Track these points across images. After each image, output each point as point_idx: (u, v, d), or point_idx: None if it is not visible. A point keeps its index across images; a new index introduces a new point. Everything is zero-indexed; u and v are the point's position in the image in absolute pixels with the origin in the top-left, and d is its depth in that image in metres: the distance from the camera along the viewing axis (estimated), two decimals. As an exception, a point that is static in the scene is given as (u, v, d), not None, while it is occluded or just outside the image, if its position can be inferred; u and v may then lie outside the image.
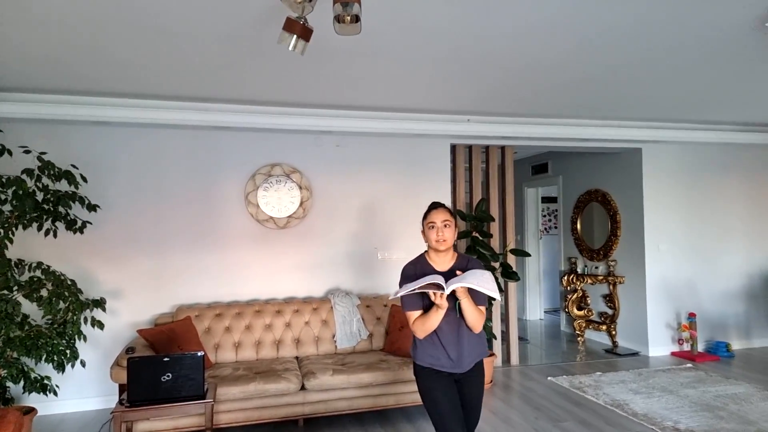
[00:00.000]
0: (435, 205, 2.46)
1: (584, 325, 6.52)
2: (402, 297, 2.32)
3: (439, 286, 2.17)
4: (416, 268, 2.43)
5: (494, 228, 5.60)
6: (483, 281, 2.20)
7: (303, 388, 3.73)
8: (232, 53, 3.18)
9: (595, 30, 2.93)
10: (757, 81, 4.01)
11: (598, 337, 6.60)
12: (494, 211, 5.65)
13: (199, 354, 3.15)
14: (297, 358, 4.31)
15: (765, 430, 3.69)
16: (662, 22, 2.82)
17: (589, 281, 6.43)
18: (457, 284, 2.17)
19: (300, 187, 4.82)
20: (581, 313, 6.53)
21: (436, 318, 2.30)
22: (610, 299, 6.31)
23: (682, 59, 3.44)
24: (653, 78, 3.86)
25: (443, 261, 2.43)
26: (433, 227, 2.39)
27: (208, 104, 4.29)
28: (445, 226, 2.39)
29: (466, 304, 2.28)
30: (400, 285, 2.40)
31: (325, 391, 3.75)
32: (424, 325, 2.33)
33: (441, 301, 2.19)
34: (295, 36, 2.37)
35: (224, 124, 4.43)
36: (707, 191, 6.16)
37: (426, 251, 2.51)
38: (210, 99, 4.19)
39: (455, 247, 2.54)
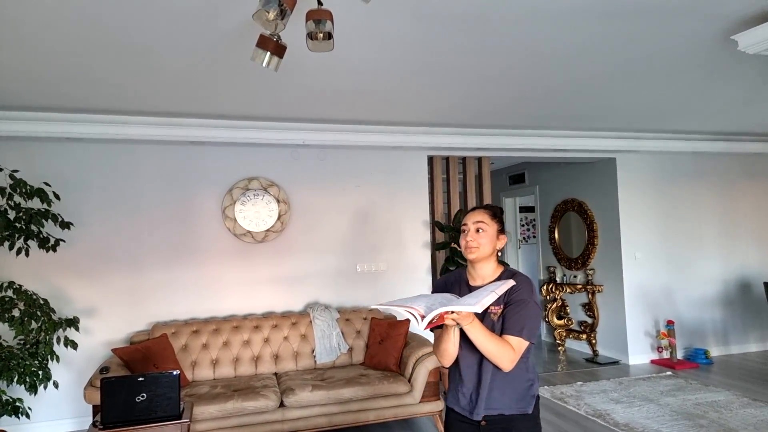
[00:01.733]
0: (474, 207, 2.02)
1: (564, 334, 6.56)
2: None
3: (427, 310, 1.65)
4: (448, 281, 2.03)
5: (474, 239, 5.62)
6: (476, 297, 1.66)
7: (282, 405, 3.69)
8: (207, 69, 3.18)
9: (568, 44, 2.99)
10: (724, 91, 4.12)
11: (578, 346, 6.65)
12: (473, 222, 5.68)
13: (174, 373, 3.09)
14: (276, 374, 4.27)
15: (741, 435, 3.74)
16: (631, 35, 2.89)
17: (568, 290, 6.49)
18: (435, 311, 1.61)
19: (278, 201, 4.80)
20: (561, 322, 6.58)
21: (447, 339, 1.83)
22: (589, 308, 6.37)
23: (651, 70, 3.52)
24: (624, 89, 3.95)
25: (481, 274, 1.94)
26: (464, 231, 1.94)
27: (184, 119, 4.26)
28: (478, 229, 1.90)
29: (470, 330, 1.72)
30: None
31: (304, 407, 3.71)
32: (439, 347, 1.88)
33: (447, 319, 1.68)
34: (268, 53, 2.38)
35: (200, 139, 4.41)
36: (680, 199, 6.28)
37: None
38: (185, 114, 4.16)
39: (507, 264, 2.04)
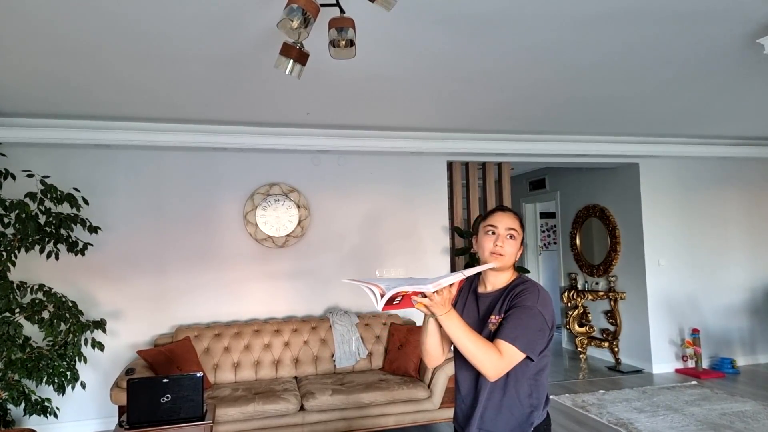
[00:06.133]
0: (502, 208, 1.77)
1: (586, 341, 6.48)
2: None
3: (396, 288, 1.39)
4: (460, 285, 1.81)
5: (494, 245, 5.59)
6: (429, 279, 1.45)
7: (302, 408, 3.72)
8: (230, 76, 3.25)
9: (591, 49, 2.98)
10: (750, 95, 4.05)
11: (600, 354, 6.55)
12: (493, 228, 5.66)
13: (198, 375, 3.14)
14: (296, 378, 4.30)
15: (769, 447, 3.65)
16: (655, 40, 2.88)
17: (590, 297, 6.41)
18: (393, 289, 1.38)
19: (298, 206, 4.86)
20: (583, 329, 6.50)
21: (424, 331, 1.68)
22: (611, 315, 6.29)
23: (675, 75, 3.49)
24: (648, 93, 3.91)
25: (493, 281, 1.75)
26: (493, 233, 1.70)
27: (208, 126, 4.35)
28: (510, 236, 1.69)
29: (445, 322, 1.50)
30: None
31: (324, 411, 3.74)
32: (421, 342, 1.71)
33: (417, 304, 1.48)
34: (291, 60, 2.43)
35: (223, 145, 4.49)
36: (706, 205, 6.17)
37: None
38: (209, 121, 4.25)
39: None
